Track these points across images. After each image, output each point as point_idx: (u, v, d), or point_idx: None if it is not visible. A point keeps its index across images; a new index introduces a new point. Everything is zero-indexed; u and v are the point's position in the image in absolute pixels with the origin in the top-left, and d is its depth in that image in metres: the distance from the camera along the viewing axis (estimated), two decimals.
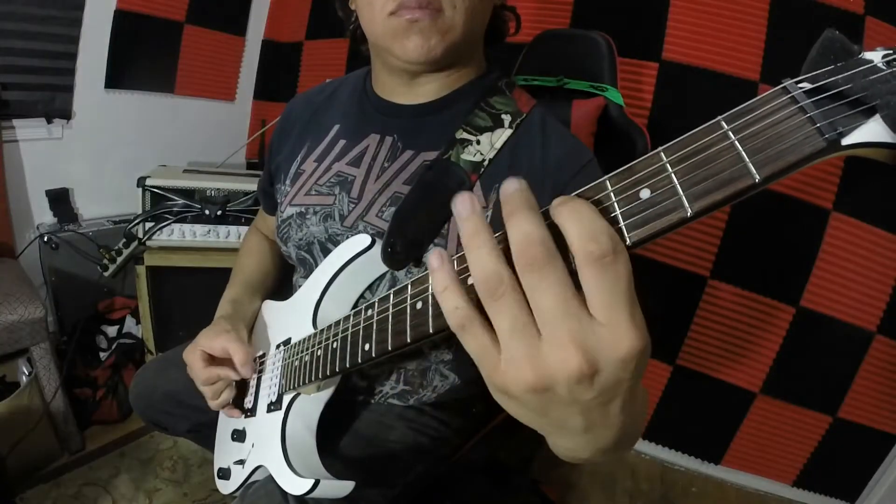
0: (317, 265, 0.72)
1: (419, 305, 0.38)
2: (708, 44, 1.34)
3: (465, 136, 0.67)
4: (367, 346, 0.46)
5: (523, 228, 0.27)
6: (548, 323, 0.27)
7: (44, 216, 1.61)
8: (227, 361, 0.71)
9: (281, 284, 0.91)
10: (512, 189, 0.28)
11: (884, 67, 0.24)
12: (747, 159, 0.26)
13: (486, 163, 0.65)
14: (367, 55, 0.76)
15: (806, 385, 1.45)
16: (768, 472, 1.55)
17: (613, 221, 0.29)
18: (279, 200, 0.79)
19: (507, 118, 0.68)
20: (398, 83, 0.71)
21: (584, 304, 0.27)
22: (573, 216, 0.27)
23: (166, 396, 0.86)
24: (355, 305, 0.68)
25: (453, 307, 0.30)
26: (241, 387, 0.75)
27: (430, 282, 0.31)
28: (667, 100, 1.39)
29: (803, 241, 1.36)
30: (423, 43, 0.61)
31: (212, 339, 0.70)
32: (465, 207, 0.29)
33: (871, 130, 0.24)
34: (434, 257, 0.31)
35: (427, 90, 0.70)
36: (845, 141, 0.24)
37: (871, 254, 1.32)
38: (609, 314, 0.27)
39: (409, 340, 0.39)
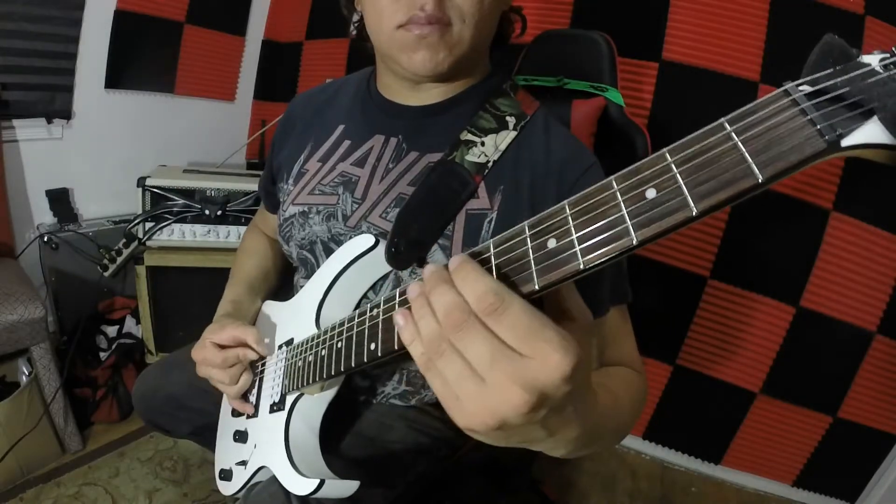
0: (319, 265, 0.72)
1: None
2: (708, 44, 1.34)
3: (470, 137, 0.67)
4: (372, 346, 0.46)
5: (441, 300, 0.33)
6: (484, 370, 0.31)
7: (44, 216, 1.61)
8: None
9: (281, 285, 0.91)
10: (429, 272, 0.34)
11: (881, 71, 0.25)
12: (750, 160, 0.26)
13: (490, 164, 0.66)
14: (371, 53, 0.75)
15: (806, 385, 1.45)
16: (768, 472, 1.56)
17: (620, 221, 0.30)
18: (281, 199, 0.79)
19: (511, 120, 0.68)
20: (402, 86, 0.71)
21: (512, 347, 0.31)
22: (462, 283, 0.32)
23: (168, 399, 0.85)
24: (358, 306, 0.68)
25: (419, 353, 0.35)
26: None
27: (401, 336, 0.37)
28: (667, 100, 1.39)
29: (803, 241, 1.36)
30: (431, 57, 0.61)
31: (218, 332, 0.70)
32: (414, 292, 0.35)
33: (870, 132, 0.25)
34: (399, 316, 0.36)
35: (432, 93, 0.70)
36: (845, 142, 0.25)
37: (871, 254, 1.33)
38: (529, 348, 0.30)
39: None
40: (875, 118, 0.25)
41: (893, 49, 0.26)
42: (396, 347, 0.42)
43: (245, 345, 0.70)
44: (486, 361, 0.31)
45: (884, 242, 1.31)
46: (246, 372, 0.71)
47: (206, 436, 0.83)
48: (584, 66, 1.01)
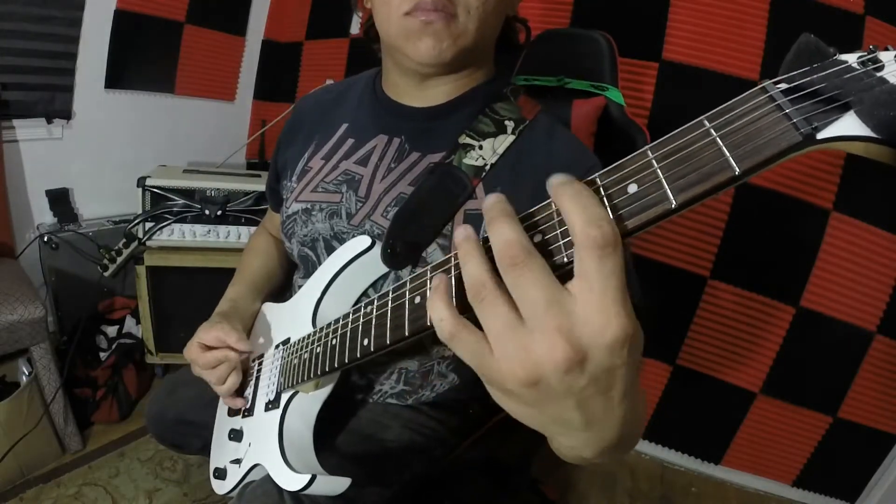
0: (319, 263, 0.72)
1: (417, 300, 0.39)
2: (708, 44, 1.34)
3: (469, 141, 0.68)
4: (365, 341, 0.46)
5: (502, 233, 0.29)
6: (532, 315, 0.29)
7: (44, 216, 1.61)
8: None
9: (287, 284, 0.91)
10: (491, 202, 0.31)
11: (858, 67, 0.26)
12: (728, 154, 0.28)
13: (487, 167, 0.66)
14: (378, 56, 0.76)
15: (806, 385, 1.45)
16: (768, 472, 1.56)
17: None
18: (285, 197, 0.80)
19: (510, 124, 0.69)
20: (408, 84, 0.72)
21: (567, 294, 0.28)
22: (575, 201, 0.28)
23: (177, 417, 0.87)
24: (356, 304, 0.68)
25: (438, 319, 0.32)
26: (240, 387, 0.75)
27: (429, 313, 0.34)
28: (667, 100, 1.39)
29: (803, 241, 1.36)
30: (435, 45, 0.62)
31: (206, 332, 0.72)
32: (460, 234, 0.32)
33: (846, 125, 0.26)
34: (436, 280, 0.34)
35: (436, 93, 0.71)
36: (821, 135, 0.26)
37: (871, 254, 1.33)
38: (601, 300, 0.28)
39: (406, 334, 0.40)
40: (851, 112, 0.25)
41: (871, 47, 0.27)
42: (388, 342, 0.42)
43: (229, 346, 0.71)
44: (540, 304, 0.28)
45: (884, 242, 1.31)
46: (234, 372, 0.72)
47: None
48: (585, 65, 1.01)
